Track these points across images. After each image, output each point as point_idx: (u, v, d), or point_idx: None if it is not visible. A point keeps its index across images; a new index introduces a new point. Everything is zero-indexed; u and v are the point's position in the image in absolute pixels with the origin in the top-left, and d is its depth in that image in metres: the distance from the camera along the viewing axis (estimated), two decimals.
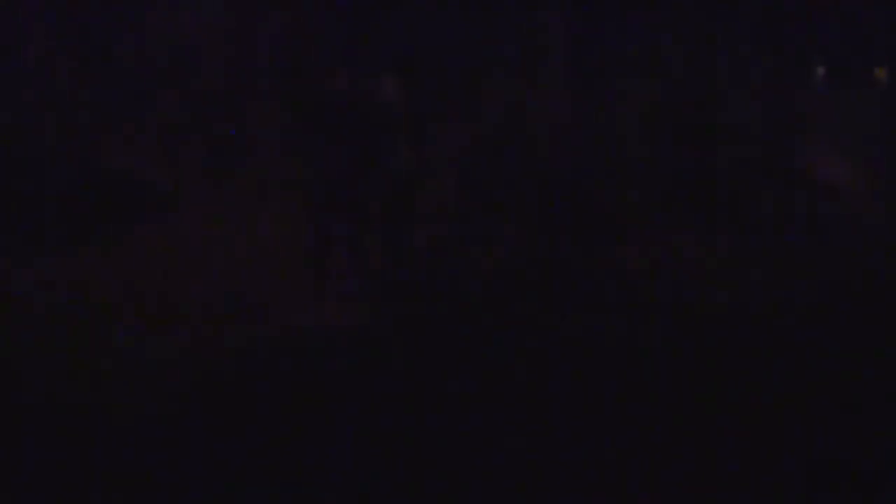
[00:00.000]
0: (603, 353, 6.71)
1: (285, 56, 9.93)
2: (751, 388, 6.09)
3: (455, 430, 5.47)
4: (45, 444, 5.17)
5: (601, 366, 6.47)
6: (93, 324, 6.87)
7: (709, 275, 8.55)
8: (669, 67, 11.35)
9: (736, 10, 12.05)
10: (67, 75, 9.39)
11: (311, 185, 8.20)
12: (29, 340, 6.58)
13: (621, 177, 10.24)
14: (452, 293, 7.87)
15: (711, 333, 7.14)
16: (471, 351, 6.67)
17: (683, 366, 6.46)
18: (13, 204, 8.35)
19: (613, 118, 10.80)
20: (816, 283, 8.41)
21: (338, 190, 8.08)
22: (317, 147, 8.31)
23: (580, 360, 6.59)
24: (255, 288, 7.59)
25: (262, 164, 9.41)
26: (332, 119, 8.28)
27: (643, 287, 8.15)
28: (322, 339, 6.82)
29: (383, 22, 10.14)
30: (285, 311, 7.23)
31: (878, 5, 12.88)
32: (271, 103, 9.62)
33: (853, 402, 5.89)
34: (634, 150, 10.59)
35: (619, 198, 9.92)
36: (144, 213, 8.71)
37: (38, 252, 7.99)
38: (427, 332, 7.03)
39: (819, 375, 6.29)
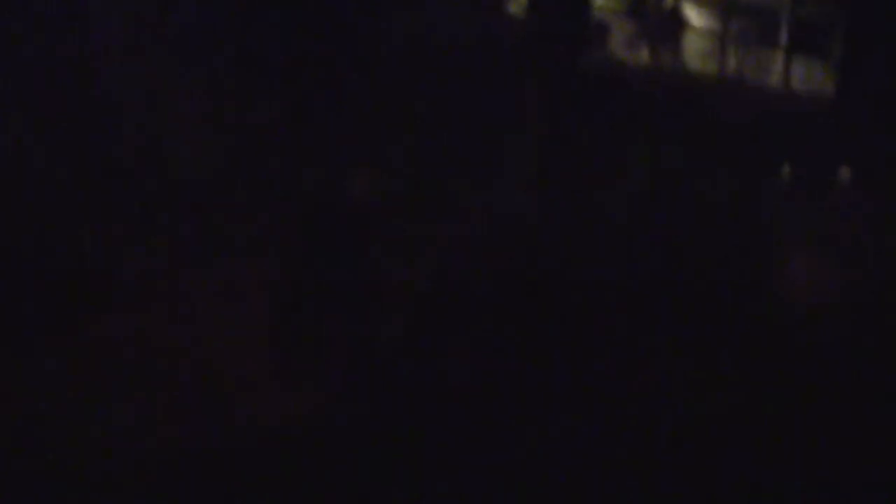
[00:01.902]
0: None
1: (262, 152, 10.09)
2: None
3: None
4: None
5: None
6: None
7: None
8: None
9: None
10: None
11: (282, 278, 8.31)
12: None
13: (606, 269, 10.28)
14: (425, 385, 7.93)
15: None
16: (445, 448, 6.72)
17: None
18: None
19: (594, 206, 10.90)
20: None
21: (310, 281, 8.19)
22: (290, 241, 8.45)
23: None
24: (224, 380, 7.63)
25: (235, 258, 9.50)
26: (305, 215, 8.42)
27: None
28: (292, 432, 6.87)
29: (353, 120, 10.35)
30: (255, 403, 7.28)
31: None
32: (243, 195, 9.75)
33: None
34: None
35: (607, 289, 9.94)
36: (117, 302, 8.74)
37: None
38: (398, 425, 7.08)
39: None
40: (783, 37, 14.57)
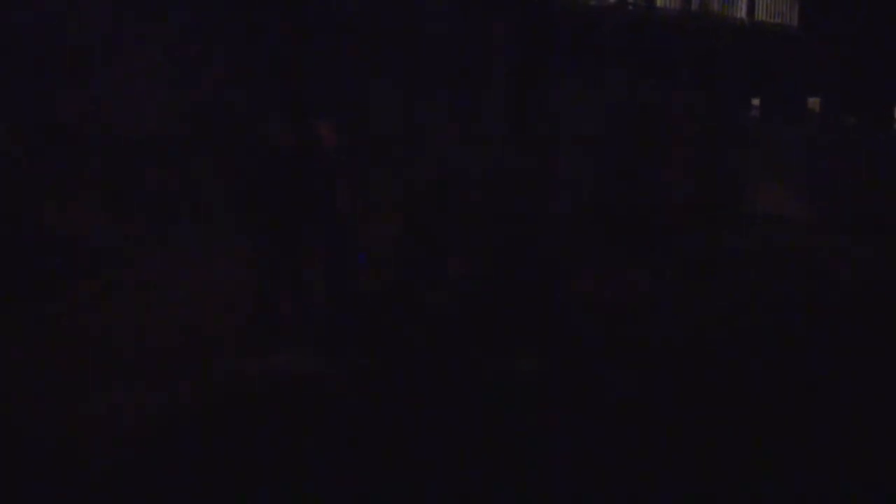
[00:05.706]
0: (566, 396, 6.72)
1: (224, 105, 9.89)
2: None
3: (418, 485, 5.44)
4: None
5: (568, 412, 6.47)
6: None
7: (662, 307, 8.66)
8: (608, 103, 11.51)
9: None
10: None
11: (254, 232, 8.16)
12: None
13: (566, 211, 10.31)
14: (400, 335, 7.85)
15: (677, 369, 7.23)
16: (423, 396, 6.63)
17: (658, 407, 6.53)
18: None
19: (554, 154, 10.89)
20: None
21: (281, 236, 8.05)
22: (258, 195, 8.29)
23: (543, 403, 6.58)
24: (203, 337, 7.49)
25: (204, 214, 9.34)
26: (271, 166, 8.26)
27: (598, 322, 8.21)
28: (270, 387, 6.77)
29: (317, 68, 10.16)
30: (233, 359, 7.17)
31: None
32: (211, 153, 9.57)
33: None
34: (578, 184, 10.70)
35: (567, 232, 10.00)
36: (87, 271, 8.57)
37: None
38: (375, 377, 6.99)
39: None
40: None
